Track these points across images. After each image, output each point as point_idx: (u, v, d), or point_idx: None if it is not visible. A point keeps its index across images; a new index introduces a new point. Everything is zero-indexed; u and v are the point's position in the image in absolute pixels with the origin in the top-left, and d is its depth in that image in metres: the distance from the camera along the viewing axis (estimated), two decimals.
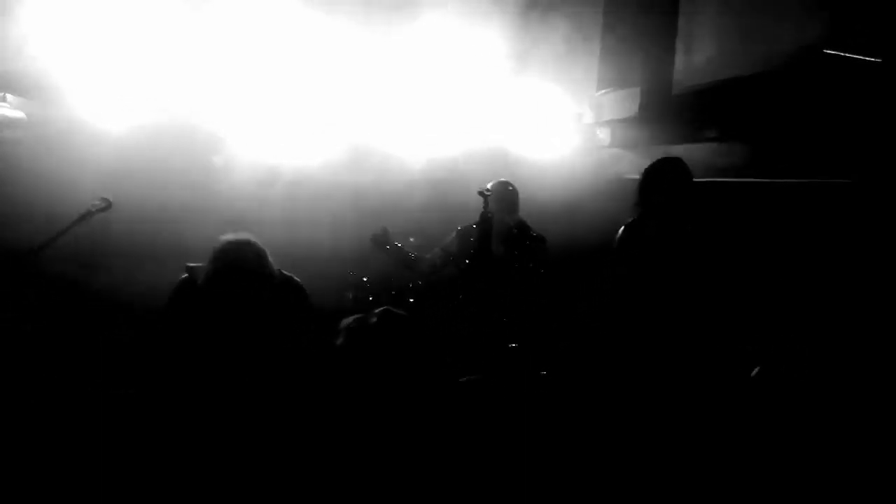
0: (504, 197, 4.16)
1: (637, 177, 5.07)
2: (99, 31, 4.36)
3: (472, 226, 4.24)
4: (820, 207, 3.65)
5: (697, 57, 4.48)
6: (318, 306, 3.50)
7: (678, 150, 4.73)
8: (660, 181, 3.49)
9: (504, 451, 2.51)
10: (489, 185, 4.04)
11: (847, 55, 3.01)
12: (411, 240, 5.92)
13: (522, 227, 4.21)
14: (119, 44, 4.42)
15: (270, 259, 3.05)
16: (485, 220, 3.65)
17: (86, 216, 3.27)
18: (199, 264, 3.01)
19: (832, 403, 2.21)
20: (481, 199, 3.87)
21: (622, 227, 3.58)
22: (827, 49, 3.09)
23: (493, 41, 5.15)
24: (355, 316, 2.26)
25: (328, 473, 2.19)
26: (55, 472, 3.05)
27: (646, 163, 5.09)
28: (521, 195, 4.42)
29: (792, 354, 2.53)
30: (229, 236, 3.00)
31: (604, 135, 5.46)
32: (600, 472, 2.89)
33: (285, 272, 3.15)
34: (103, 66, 4.44)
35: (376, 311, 2.21)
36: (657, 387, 3.10)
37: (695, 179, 3.60)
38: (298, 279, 3.18)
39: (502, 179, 4.27)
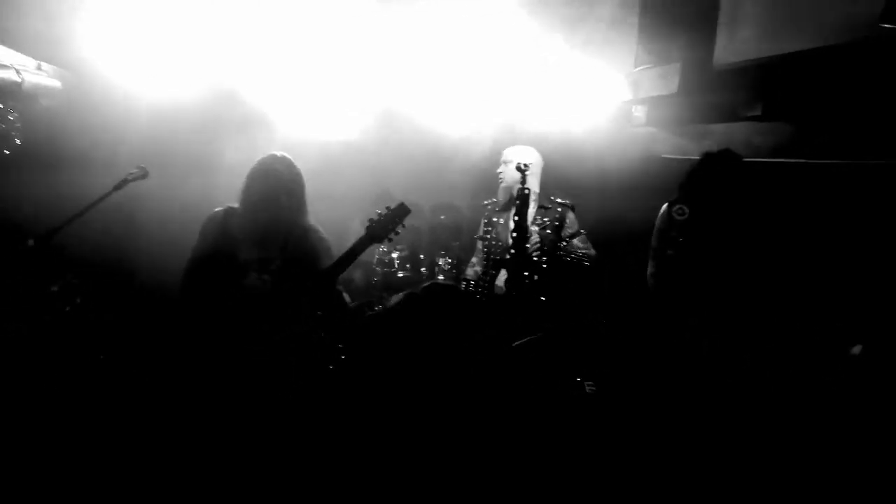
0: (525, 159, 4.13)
1: (674, 156, 4.99)
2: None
3: (492, 200, 4.31)
4: (866, 189, 3.53)
5: (741, 32, 4.32)
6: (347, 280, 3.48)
7: (718, 129, 4.62)
8: (709, 183, 3.42)
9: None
10: (515, 156, 4.05)
11: None
12: (442, 217, 5.90)
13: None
14: (156, 12, 4.38)
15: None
16: (522, 197, 3.57)
17: (122, 184, 3.28)
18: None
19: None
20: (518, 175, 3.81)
21: (664, 206, 3.50)
22: (882, 22, 2.94)
23: (530, 16, 5.05)
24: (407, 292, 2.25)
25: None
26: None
27: (683, 142, 5.01)
28: (556, 174, 4.38)
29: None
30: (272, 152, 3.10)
31: (641, 113, 5.34)
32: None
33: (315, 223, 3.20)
34: (140, 35, 4.41)
35: (424, 284, 2.20)
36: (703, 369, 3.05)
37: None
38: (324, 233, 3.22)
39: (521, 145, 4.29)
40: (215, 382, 2.90)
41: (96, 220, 3.28)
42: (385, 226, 3.11)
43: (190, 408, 2.91)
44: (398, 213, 3.13)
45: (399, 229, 3.14)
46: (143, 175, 3.33)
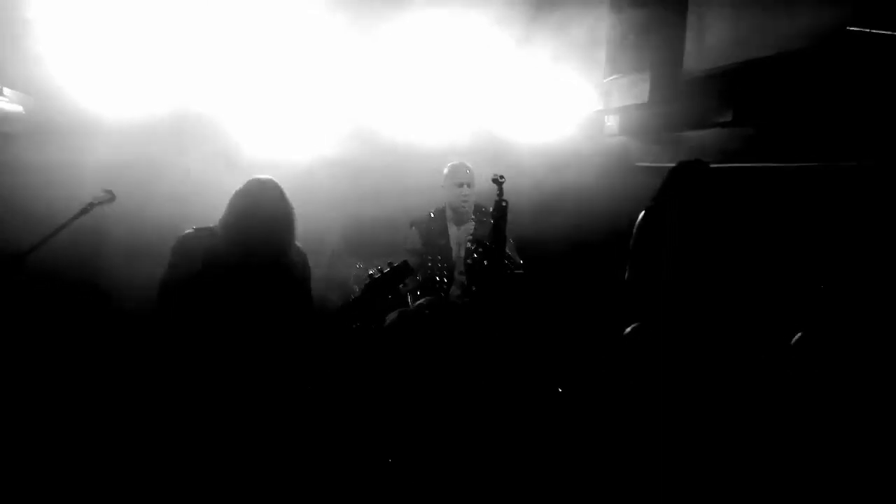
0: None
1: (647, 164, 5.00)
2: (97, 20, 4.25)
3: (429, 214, 4.43)
4: (839, 191, 3.55)
5: (710, 39, 4.36)
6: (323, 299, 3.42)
7: (690, 136, 4.64)
8: (682, 187, 3.43)
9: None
10: (501, 174, 3.95)
11: (873, 31, 2.88)
12: (412, 228, 5.83)
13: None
14: (118, 33, 4.31)
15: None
16: (499, 209, 3.54)
17: (87, 209, 3.19)
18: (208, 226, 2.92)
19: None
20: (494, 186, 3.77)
21: (642, 213, 3.50)
22: (851, 26, 2.96)
23: (500, 27, 5.06)
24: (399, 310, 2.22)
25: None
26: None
27: (656, 150, 5.03)
28: (528, 184, 4.39)
29: (831, 325, 2.48)
30: (256, 177, 2.92)
31: (612, 122, 5.37)
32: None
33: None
34: (103, 57, 4.32)
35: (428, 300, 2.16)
36: (683, 374, 3.03)
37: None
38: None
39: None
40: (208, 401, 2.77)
41: (63, 245, 3.18)
42: (386, 284, 3.00)
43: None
44: (400, 273, 3.01)
45: (401, 288, 3.03)
46: (110, 199, 3.24)
